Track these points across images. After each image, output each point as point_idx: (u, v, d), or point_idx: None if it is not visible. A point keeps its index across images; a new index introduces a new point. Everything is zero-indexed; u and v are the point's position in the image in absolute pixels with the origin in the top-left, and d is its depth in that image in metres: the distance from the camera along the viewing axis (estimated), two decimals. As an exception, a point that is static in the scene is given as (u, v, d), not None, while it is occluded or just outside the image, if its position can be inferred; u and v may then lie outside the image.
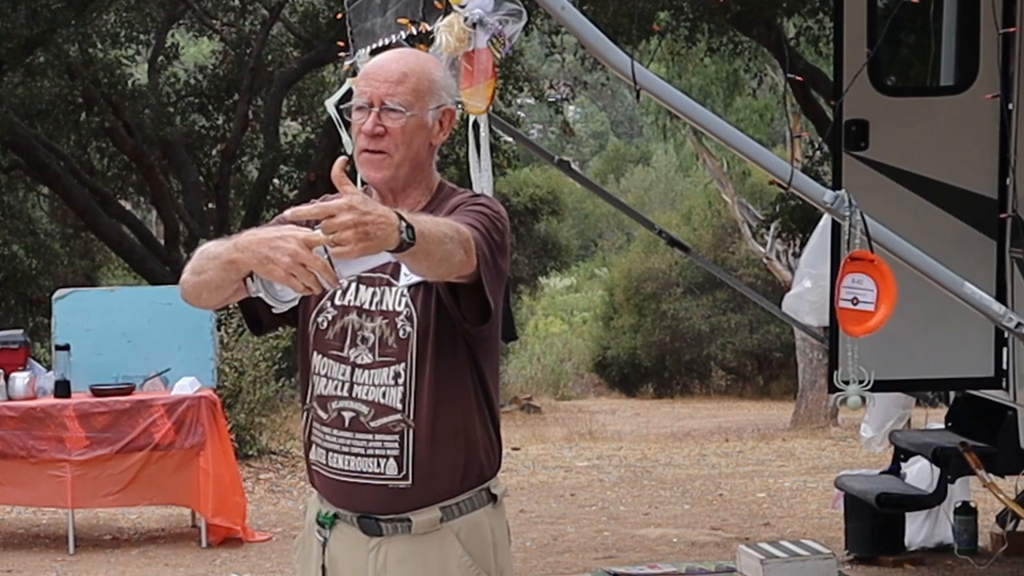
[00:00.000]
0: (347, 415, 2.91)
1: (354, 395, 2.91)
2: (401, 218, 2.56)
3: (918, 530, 7.56)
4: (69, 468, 8.17)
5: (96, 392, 8.42)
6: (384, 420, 2.89)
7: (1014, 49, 6.11)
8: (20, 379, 8.38)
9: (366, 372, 2.90)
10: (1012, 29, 6.06)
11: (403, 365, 2.88)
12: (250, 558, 8.14)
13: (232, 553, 8.25)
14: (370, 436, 2.90)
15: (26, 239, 18.13)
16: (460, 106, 4.98)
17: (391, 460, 2.89)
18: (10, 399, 8.32)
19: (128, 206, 20.20)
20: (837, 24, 6.28)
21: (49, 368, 8.82)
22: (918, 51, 6.80)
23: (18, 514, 9.43)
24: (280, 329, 3.06)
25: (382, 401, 2.89)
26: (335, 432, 2.93)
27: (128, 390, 8.47)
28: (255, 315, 3.02)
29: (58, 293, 9.04)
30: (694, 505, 9.67)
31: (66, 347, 8.54)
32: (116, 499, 8.37)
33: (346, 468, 2.92)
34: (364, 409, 2.90)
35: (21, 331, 9.14)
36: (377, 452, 2.89)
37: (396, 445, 2.88)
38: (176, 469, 8.26)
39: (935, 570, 7.29)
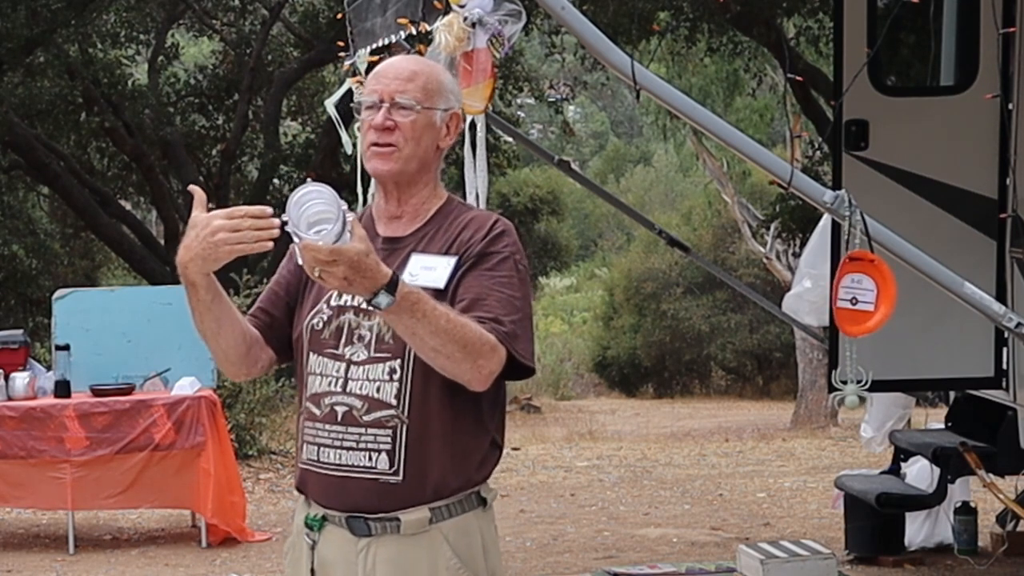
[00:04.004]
0: (340, 409, 2.92)
1: (348, 390, 2.91)
2: (394, 282, 2.67)
3: (918, 530, 7.56)
4: (69, 469, 8.17)
5: (96, 392, 8.42)
6: (377, 414, 2.89)
7: (1014, 49, 6.11)
8: (20, 379, 8.38)
9: (361, 368, 2.91)
10: (1012, 29, 6.05)
11: (399, 361, 2.88)
12: (250, 558, 8.14)
13: (232, 553, 8.25)
14: (363, 430, 2.90)
15: (26, 239, 18.15)
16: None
17: (383, 454, 2.88)
18: (10, 399, 8.32)
19: (128, 206, 20.22)
20: (837, 24, 6.27)
21: (49, 368, 8.82)
22: (918, 51, 6.80)
23: (18, 514, 9.43)
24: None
25: (376, 396, 2.89)
26: (327, 427, 2.93)
27: (128, 390, 8.47)
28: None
29: (58, 293, 9.04)
30: (694, 505, 9.66)
31: (66, 347, 8.54)
32: (117, 501, 8.36)
33: (337, 462, 2.92)
34: (357, 403, 2.90)
35: (21, 331, 9.15)
36: (369, 446, 2.89)
37: (389, 440, 2.88)
38: (177, 471, 8.25)
39: (935, 570, 7.29)
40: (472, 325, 2.78)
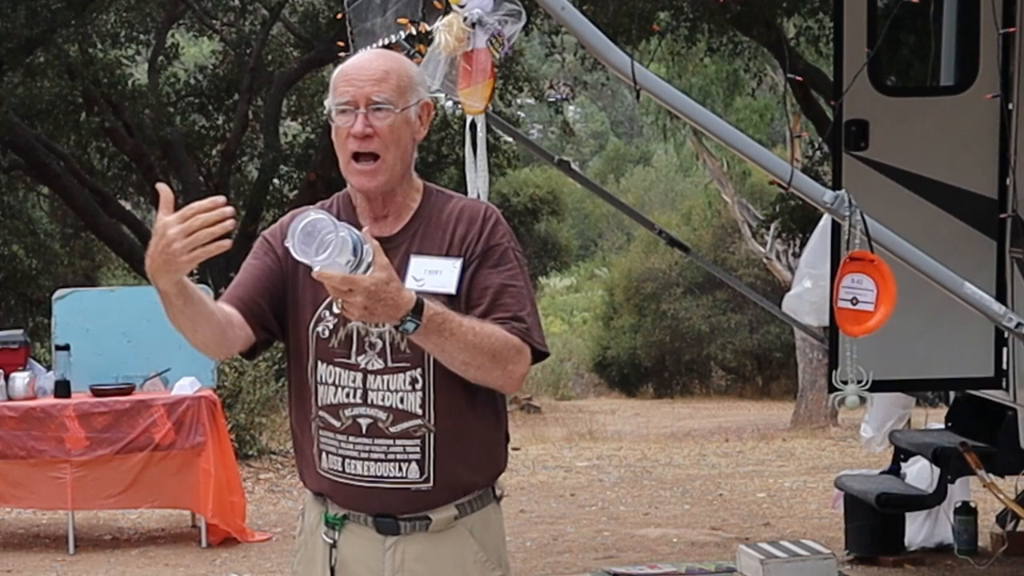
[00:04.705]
0: (364, 422, 2.90)
1: (369, 401, 2.90)
2: (419, 306, 2.68)
3: (918, 530, 7.55)
4: (69, 469, 8.17)
5: (96, 392, 8.41)
6: (404, 425, 2.89)
7: (1014, 49, 6.11)
8: (20, 379, 8.38)
9: (379, 378, 2.89)
10: (1012, 29, 6.05)
11: (420, 370, 2.88)
12: (250, 558, 8.14)
13: (232, 553, 8.25)
14: (390, 441, 2.89)
15: (26, 239, 18.17)
16: (459, 106, 4.99)
17: (413, 464, 2.89)
18: (10, 399, 8.32)
19: (128, 206, 20.19)
20: (837, 24, 6.27)
21: (49, 368, 8.82)
22: (918, 51, 6.80)
23: (18, 514, 9.43)
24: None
25: (400, 406, 2.89)
26: (351, 439, 2.91)
27: (128, 390, 8.47)
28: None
29: (58, 293, 9.04)
30: (694, 505, 9.66)
31: (66, 347, 8.54)
32: (117, 501, 8.36)
33: (365, 474, 2.91)
34: (382, 415, 2.89)
35: (21, 331, 9.14)
36: (399, 456, 2.89)
37: (418, 449, 2.89)
38: (177, 471, 8.25)
39: (935, 570, 7.29)
40: (498, 333, 2.80)
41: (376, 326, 2.88)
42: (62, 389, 8.40)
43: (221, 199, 2.65)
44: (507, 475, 3.06)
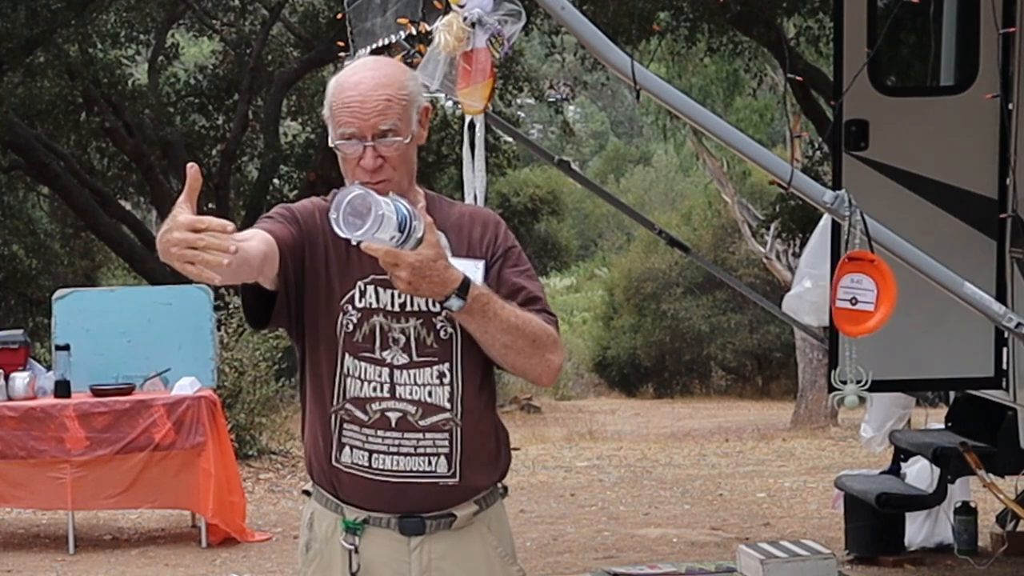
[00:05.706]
0: (393, 415, 2.92)
1: (398, 395, 2.92)
2: (465, 285, 2.76)
3: (918, 530, 7.55)
4: (69, 469, 8.17)
5: (96, 392, 8.41)
6: (434, 419, 2.92)
7: (1014, 49, 6.11)
8: (20, 379, 8.38)
9: (405, 372, 2.92)
10: (1012, 29, 6.05)
11: (447, 365, 2.92)
12: (250, 558, 8.14)
13: (232, 553, 8.25)
14: (420, 435, 2.92)
15: (26, 239, 18.18)
16: (458, 106, 5.00)
17: (442, 458, 2.93)
18: (10, 399, 8.32)
19: (128, 206, 20.21)
20: (837, 24, 6.28)
21: (49, 368, 8.81)
22: (918, 51, 6.80)
23: (18, 514, 9.43)
24: (280, 328, 3.04)
25: (429, 400, 2.92)
26: (380, 433, 2.92)
27: (128, 390, 8.47)
28: (258, 309, 2.93)
29: (58, 293, 9.04)
30: (694, 505, 9.66)
31: (66, 347, 8.54)
32: (117, 501, 8.36)
33: (394, 468, 2.92)
34: (411, 408, 2.92)
35: (21, 331, 9.14)
36: (428, 450, 2.92)
37: (446, 443, 2.92)
38: (177, 471, 8.25)
39: (935, 570, 7.29)
40: (537, 319, 2.90)
41: (399, 321, 2.91)
42: (62, 389, 8.40)
43: (231, 226, 2.54)
44: (507, 475, 3.09)
